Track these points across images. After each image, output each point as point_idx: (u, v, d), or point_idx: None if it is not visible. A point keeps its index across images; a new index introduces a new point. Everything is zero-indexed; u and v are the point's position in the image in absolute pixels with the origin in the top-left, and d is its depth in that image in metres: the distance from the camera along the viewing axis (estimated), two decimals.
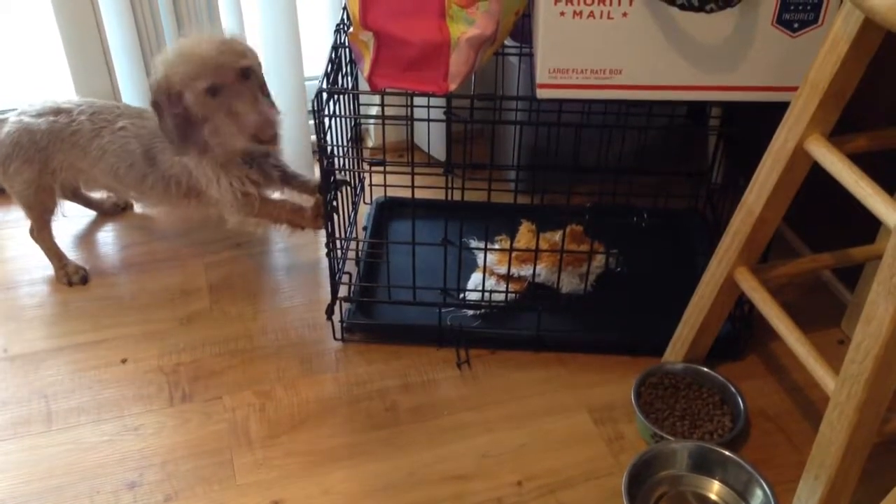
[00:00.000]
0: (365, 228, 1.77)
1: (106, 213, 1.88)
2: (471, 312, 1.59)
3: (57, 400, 1.45)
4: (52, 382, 1.48)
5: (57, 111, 1.57)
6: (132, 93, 1.77)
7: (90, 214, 1.88)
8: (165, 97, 1.39)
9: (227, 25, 1.76)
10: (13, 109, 1.61)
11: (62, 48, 1.77)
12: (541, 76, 1.27)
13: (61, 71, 1.84)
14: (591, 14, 1.20)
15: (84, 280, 1.69)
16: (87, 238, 1.83)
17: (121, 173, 1.57)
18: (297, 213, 1.57)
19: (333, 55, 1.45)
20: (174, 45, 1.42)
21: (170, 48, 1.42)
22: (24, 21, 2.66)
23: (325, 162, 1.40)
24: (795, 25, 1.20)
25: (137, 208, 1.90)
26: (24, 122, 1.56)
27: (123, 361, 1.52)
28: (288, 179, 1.61)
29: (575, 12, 1.20)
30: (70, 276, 1.69)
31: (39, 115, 1.56)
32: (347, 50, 1.50)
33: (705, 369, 1.44)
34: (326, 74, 1.39)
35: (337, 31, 1.51)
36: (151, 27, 1.70)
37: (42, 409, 1.43)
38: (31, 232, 1.68)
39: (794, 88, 1.14)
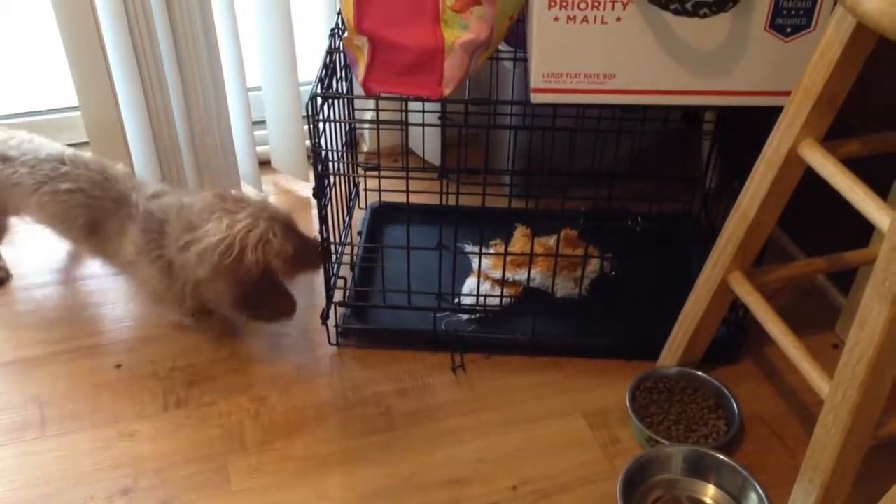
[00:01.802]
0: (360, 233, 1.77)
1: None
2: (466, 317, 1.59)
3: (51, 406, 1.44)
4: (46, 388, 1.47)
5: (4, 158, 1.51)
6: (127, 95, 1.77)
7: None
8: (254, 267, 1.35)
9: (222, 30, 1.76)
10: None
11: (63, 53, 1.77)
12: (535, 81, 1.27)
13: (61, 68, 1.82)
14: (585, 19, 1.20)
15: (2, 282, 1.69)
16: None
17: (57, 230, 1.54)
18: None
19: (328, 60, 1.45)
20: (232, 216, 1.37)
21: (227, 219, 1.37)
22: (25, 19, 2.66)
23: (320, 166, 1.40)
24: (788, 30, 1.20)
25: None
26: None
27: (118, 367, 1.52)
28: None
29: (569, 17, 1.20)
30: None
31: None
32: (342, 54, 1.50)
33: (700, 373, 1.44)
34: (321, 79, 1.39)
35: (331, 35, 1.51)
36: (147, 35, 1.70)
37: (36, 414, 1.43)
38: None
39: (788, 93, 1.14)
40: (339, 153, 1.56)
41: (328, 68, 1.44)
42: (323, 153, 1.40)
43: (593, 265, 1.65)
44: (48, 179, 1.47)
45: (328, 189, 1.46)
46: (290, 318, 1.46)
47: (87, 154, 1.53)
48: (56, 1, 1.66)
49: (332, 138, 1.47)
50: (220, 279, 1.37)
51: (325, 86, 1.40)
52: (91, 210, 1.47)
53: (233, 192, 1.44)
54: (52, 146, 1.53)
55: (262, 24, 1.77)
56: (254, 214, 1.37)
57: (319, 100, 1.35)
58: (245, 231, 1.35)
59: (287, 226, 1.41)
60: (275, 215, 1.40)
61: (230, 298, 1.39)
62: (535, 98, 1.29)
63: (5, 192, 1.53)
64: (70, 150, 1.53)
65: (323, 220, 1.44)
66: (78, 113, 1.84)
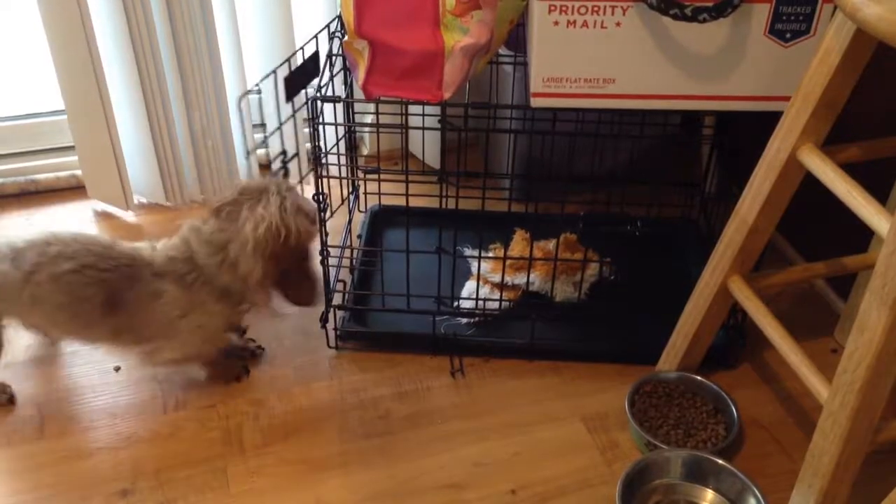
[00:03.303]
0: (359, 236, 1.77)
1: None
2: (465, 321, 1.59)
3: (49, 408, 1.44)
4: (45, 391, 1.47)
5: None
6: (127, 98, 1.77)
7: None
8: (285, 248, 1.31)
9: (222, 32, 1.76)
10: None
11: (48, 48, 1.75)
12: (535, 85, 1.27)
13: (47, 70, 1.81)
14: (585, 23, 1.20)
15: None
16: None
17: (59, 320, 1.35)
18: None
19: (328, 63, 1.45)
20: (283, 196, 1.32)
21: (278, 199, 1.32)
22: (25, 18, 2.65)
23: (319, 169, 1.40)
24: (788, 35, 1.21)
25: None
26: None
27: (117, 369, 1.52)
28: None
29: (569, 22, 1.20)
30: None
31: None
32: (342, 57, 1.50)
33: (699, 378, 1.44)
34: (320, 81, 1.39)
35: (331, 38, 1.51)
36: (147, 38, 1.70)
37: (34, 416, 1.43)
38: None
39: (787, 98, 1.15)
40: (338, 155, 1.56)
41: (328, 71, 1.44)
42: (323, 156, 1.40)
43: (592, 269, 1.65)
44: (38, 267, 1.30)
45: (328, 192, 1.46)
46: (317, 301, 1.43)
47: (63, 230, 1.36)
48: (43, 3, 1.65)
49: (331, 141, 1.46)
50: (267, 262, 1.31)
51: (326, 89, 1.40)
52: (108, 284, 1.31)
53: (229, 196, 1.36)
54: (24, 234, 1.35)
55: (262, 26, 1.77)
56: (271, 191, 1.33)
57: (319, 102, 1.35)
58: (278, 209, 1.30)
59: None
60: (284, 188, 1.35)
61: (272, 279, 1.33)
62: (535, 102, 1.29)
63: None
64: (47, 231, 1.34)
65: (322, 223, 1.44)
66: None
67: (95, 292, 1.31)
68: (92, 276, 1.30)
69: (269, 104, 1.86)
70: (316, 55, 1.51)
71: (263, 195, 1.32)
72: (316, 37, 1.51)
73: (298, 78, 1.47)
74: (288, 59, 1.45)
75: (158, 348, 1.38)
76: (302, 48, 1.47)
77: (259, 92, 1.67)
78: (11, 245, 1.32)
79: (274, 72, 1.49)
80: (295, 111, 1.53)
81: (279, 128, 1.52)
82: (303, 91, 1.49)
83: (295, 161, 1.59)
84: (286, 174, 1.48)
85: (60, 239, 1.33)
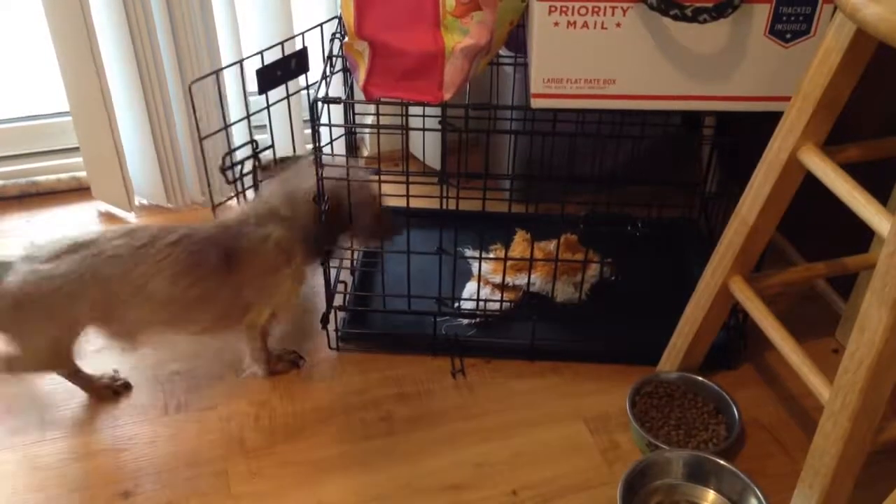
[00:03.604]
0: None
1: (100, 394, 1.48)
2: (466, 321, 1.59)
3: (51, 409, 1.44)
4: (47, 392, 1.47)
5: (78, 246, 1.30)
6: (127, 99, 1.77)
7: None
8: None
9: (222, 33, 1.76)
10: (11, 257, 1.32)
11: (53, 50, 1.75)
12: (535, 86, 1.27)
13: (44, 71, 1.80)
14: (585, 24, 1.20)
15: None
16: None
17: (176, 293, 1.32)
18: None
19: (328, 64, 1.45)
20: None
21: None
22: (26, 18, 2.65)
23: (321, 170, 1.40)
24: (788, 36, 1.21)
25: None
26: (38, 271, 1.27)
27: (116, 371, 1.51)
28: None
29: (569, 22, 1.21)
30: None
31: (56, 256, 1.29)
32: (343, 59, 1.50)
33: (700, 378, 1.44)
34: (322, 82, 1.39)
35: (332, 39, 1.51)
36: (147, 39, 1.70)
37: (37, 418, 1.43)
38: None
39: (788, 98, 1.15)
40: (332, 155, 1.57)
41: (329, 72, 1.44)
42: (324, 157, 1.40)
43: (593, 270, 1.65)
44: (152, 240, 1.32)
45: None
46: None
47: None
48: (48, 3, 1.65)
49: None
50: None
51: (318, 89, 1.41)
52: (218, 242, 1.34)
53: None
54: (116, 228, 1.37)
55: (262, 27, 1.77)
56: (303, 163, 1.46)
57: (321, 104, 1.35)
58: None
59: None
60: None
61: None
62: (536, 103, 1.29)
63: (95, 282, 1.28)
64: (126, 226, 1.42)
65: (324, 224, 1.44)
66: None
67: (210, 251, 1.34)
68: (203, 238, 1.35)
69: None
70: (302, 53, 1.52)
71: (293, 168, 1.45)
72: (303, 35, 1.51)
73: (273, 72, 1.48)
74: (261, 52, 1.46)
75: (260, 310, 1.41)
76: (282, 43, 1.47)
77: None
78: (115, 232, 1.34)
79: (241, 62, 1.50)
80: (269, 104, 1.55)
81: (246, 118, 1.55)
82: (282, 86, 1.54)
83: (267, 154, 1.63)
84: (258, 164, 1.52)
85: (152, 225, 1.39)
